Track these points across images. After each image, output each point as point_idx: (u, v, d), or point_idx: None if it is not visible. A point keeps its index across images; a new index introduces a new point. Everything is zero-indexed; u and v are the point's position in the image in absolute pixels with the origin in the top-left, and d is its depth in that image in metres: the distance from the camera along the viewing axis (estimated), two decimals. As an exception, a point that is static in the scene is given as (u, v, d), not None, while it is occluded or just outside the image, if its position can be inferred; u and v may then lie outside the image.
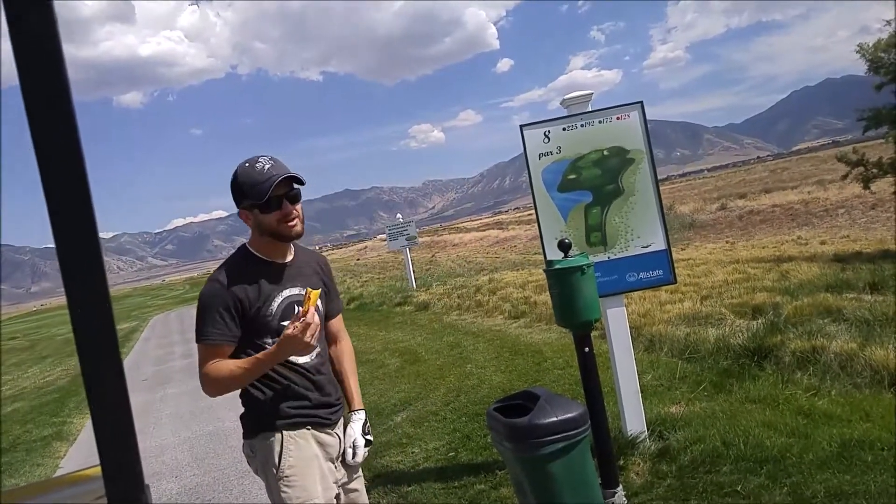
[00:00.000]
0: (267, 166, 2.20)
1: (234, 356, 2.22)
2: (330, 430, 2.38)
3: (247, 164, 2.22)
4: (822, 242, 16.43)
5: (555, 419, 2.60)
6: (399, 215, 19.04)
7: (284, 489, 2.21)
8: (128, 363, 14.75)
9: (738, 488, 3.30)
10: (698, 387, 5.00)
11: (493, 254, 34.76)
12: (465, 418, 5.46)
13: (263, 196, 2.17)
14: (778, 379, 4.80)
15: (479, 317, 10.97)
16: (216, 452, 6.09)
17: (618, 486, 3.24)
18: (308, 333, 2.06)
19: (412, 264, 18.40)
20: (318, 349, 2.36)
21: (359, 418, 2.48)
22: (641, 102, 4.13)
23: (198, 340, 2.20)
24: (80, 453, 7.15)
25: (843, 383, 4.48)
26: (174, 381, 10.83)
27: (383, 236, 20.77)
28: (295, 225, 2.26)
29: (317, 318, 2.13)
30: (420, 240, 19.27)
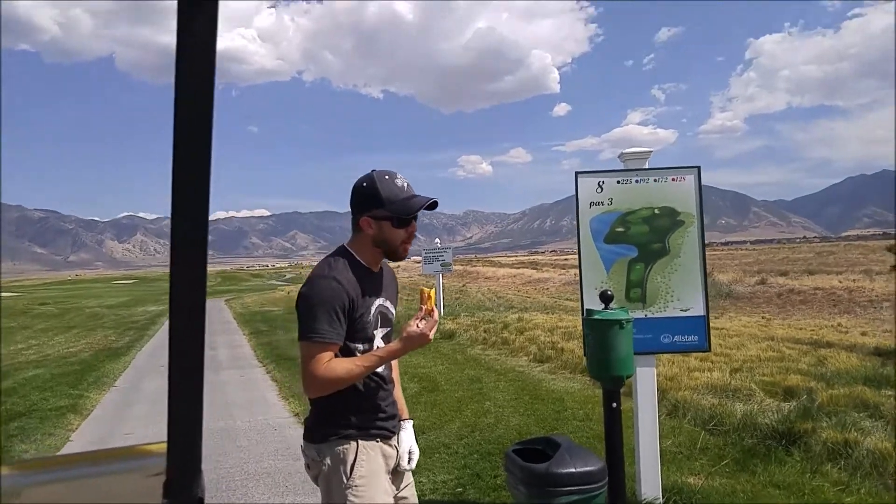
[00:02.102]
0: (405, 184, 2.26)
1: None
2: (392, 443, 2.41)
3: (386, 177, 2.24)
4: (864, 333, 15.97)
5: (573, 470, 2.55)
6: (437, 240, 19.08)
7: (352, 498, 2.20)
8: (149, 347, 14.95)
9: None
10: (720, 461, 4.86)
11: (525, 293, 34.61)
12: (476, 455, 5.39)
13: (410, 212, 2.22)
14: (806, 467, 4.64)
15: (504, 354, 10.87)
16: (224, 451, 6.08)
17: (626, 550, 3.16)
18: (433, 331, 2.17)
19: (443, 291, 18.38)
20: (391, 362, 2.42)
21: (410, 426, 2.52)
22: (699, 168, 4.11)
23: (307, 338, 2.14)
24: (92, 429, 7.22)
25: (874, 482, 4.31)
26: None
27: (418, 258, 20.84)
28: (409, 247, 2.32)
29: (436, 316, 2.21)
30: (454, 267, 19.28)
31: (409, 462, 2.44)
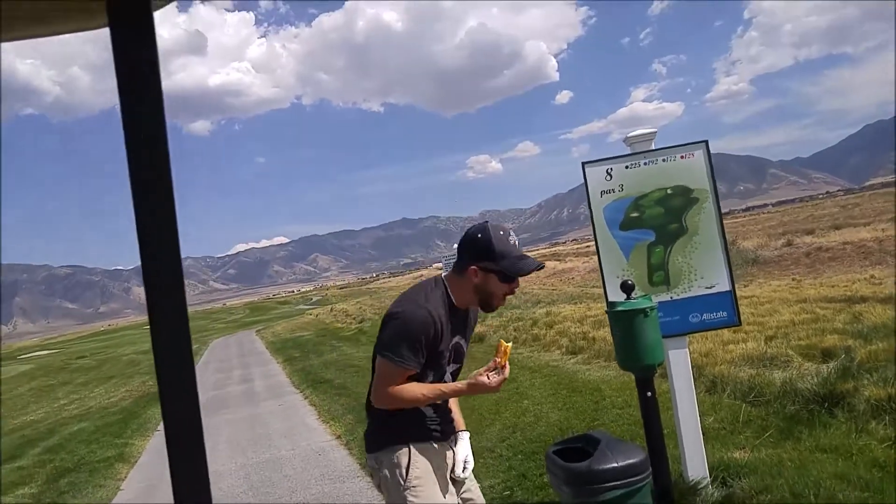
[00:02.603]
0: (517, 242, 2.36)
1: None
2: (447, 445, 2.52)
3: (501, 232, 2.33)
4: (898, 282, 15.69)
5: (615, 465, 2.56)
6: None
7: (411, 498, 2.32)
8: (189, 386, 15.11)
9: (808, 544, 3.16)
10: (764, 432, 4.82)
11: (550, 285, 34.45)
12: (520, 456, 5.39)
13: (521, 273, 2.33)
14: (851, 428, 4.57)
15: (536, 351, 10.86)
16: (272, 481, 6.14)
17: (680, 535, 3.14)
18: (500, 385, 2.28)
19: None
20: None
21: (467, 437, 2.62)
22: (706, 142, 4.08)
23: (391, 358, 2.28)
24: (141, 475, 7.34)
25: (922, 435, 4.25)
26: (231, 407, 11.03)
27: (439, 265, 20.87)
28: (504, 303, 2.43)
29: (507, 372, 2.30)
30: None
31: (463, 471, 2.53)
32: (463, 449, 2.56)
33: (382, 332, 2.36)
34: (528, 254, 2.42)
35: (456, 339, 2.45)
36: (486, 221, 2.42)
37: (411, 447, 2.38)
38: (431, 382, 2.41)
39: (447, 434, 2.53)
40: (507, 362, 2.30)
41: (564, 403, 6.93)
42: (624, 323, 2.99)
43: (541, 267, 2.39)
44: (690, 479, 3.93)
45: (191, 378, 0.62)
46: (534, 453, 5.36)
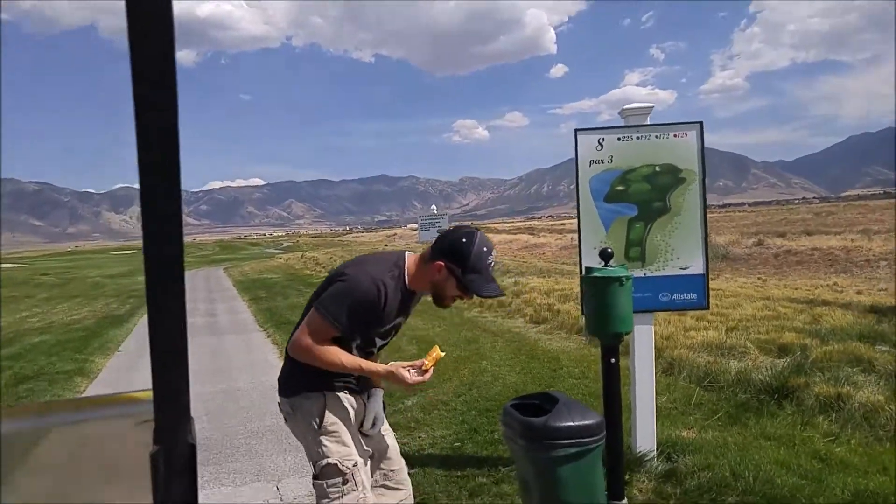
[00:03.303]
0: (493, 264, 2.39)
1: None
2: (359, 397, 2.54)
3: (484, 249, 2.35)
4: (859, 292, 16.05)
5: (571, 424, 2.61)
6: (434, 207, 19.06)
7: (326, 444, 2.35)
8: (151, 313, 15.05)
9: (743, 521, 3.28)
10: (713, 415, 4.96)
11: (521, 258, 34.67)
12: (474, 412, 5.48)
13: (479, 294, 2.35)
14: (797, 420, 4.73)
15: (501, 317, 10.96)
16: (227, 411, 6.18)
17: (623, 498, 3.24)
18: (415, 385, 2.34)
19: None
20: None
21: (380, 394, 2.65)
22: (701, 123, 4.09)
23: (325, 316, 2.29)
24: (100, 391, 7.32)
25: (865, 434, 4.40)
26: (195, 337, 11.00)
27: (414, 225, 20.87)
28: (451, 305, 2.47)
29: (429, 376, 2.36)
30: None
31: (371, 426, 2.56)
32: (374, 405, 2.59)
33: (328, 288, 2.37)
34: (494, 278, 2.44)
35: (398, 319, 2.48)
36: (477, 229, 2.43)
37: (326, 395, 2.41)
38: (357, 347, 2.44)
39: (361, 389, 2.55)
40: (433, 368, 2.36)
41: (522, 368, 7.04)
42: (599, 289, 3.03)
43: (500, 295, 2.43)
44: (639, 451, 4.04)
45: (180, 302, 0.62)
46: (487, 410, 5.46)
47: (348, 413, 2.46)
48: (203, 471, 4.58)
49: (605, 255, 3.07)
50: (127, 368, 8.52)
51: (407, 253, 2.51)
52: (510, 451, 3.19)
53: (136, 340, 10.92)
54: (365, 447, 2.52)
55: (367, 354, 2.50)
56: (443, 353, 2.43)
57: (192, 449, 0.64)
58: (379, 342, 2.51)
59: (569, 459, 2.60)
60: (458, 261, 2.32)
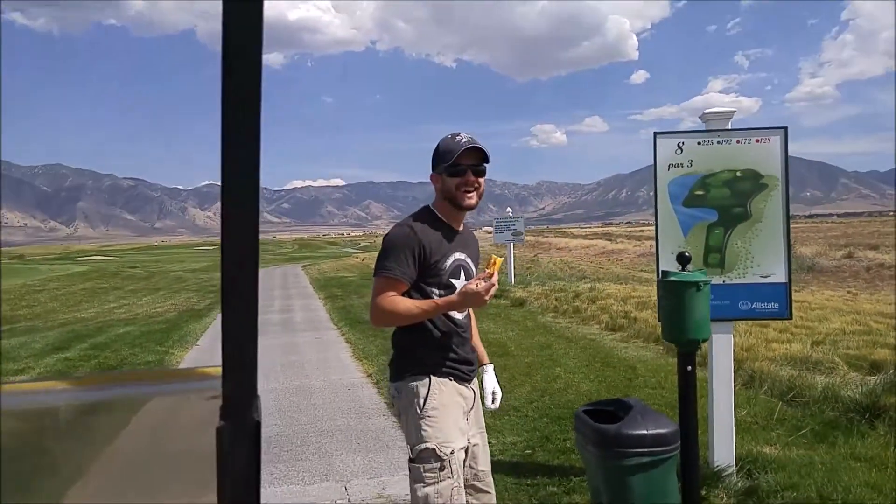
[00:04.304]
0: (465, 139, 2.45)
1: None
2: (468, 385, 2.56)
3: (449, 136, 2.49)
4: (959, 308, 15.08)
5: (644, 432, 2.54)
6: (509, 209, 19.01)
7: (426, 428, 2.35)
8: (230, 310, 15.60)
9: (829, 544, 3.11)
10: (797, 432, 4.73)
11: (598, 264, 34.16)
12: (546, 419, 5.41)
13: (451, 159, 2.40)
14: (891, 441, 4.46)
15: (575, 323, 10.80)
16: (299, 408, 6.30)
17: (698, 514, 3.13)
18: (489, 293, 2.30)
19: (514, 261, 18.38)
20: (468, 310, 2.60)
21: (491, 369, 2.73)
22: (786, 128, 3.94)
23: (378, 273, 2.40)
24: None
25: (964, 458, 4.11)
26: (269, 334, 11.30)
27: (489, 228, 20.88)
28: (471, 196, 2.47)
29: (496, 281, 2.34)
30: (525, 238, 19.18)
31: (493, 402, 2.63)
32: (490, 380, 2.66)
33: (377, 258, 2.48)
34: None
35: (456, 255, 2.51)
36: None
37: (431, 378, 2.42)
38: (438, 297, 2.46)
39: (469, 377, 2.56)
40: (497, 272, 2.34)
41: (597, 376, 6.91)
42: (675, 294, 2.94)
43: (472, 144, 2.41)
44: (716, 465, 3.89)
45: (253, 283, 0.63)
46: (559, 418, 5.37)
47: (454, 400, 2.45)
48: (273, 469, 4.68)
49: (683, 260, 2.98)
50: (203, 362, 8.85)
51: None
52: (581, 457, 3.13)
53: (213, 335, 11.33)
54: (469, 440, 2.51)
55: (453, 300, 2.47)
56: (501, 258, 2.43)
57: (257, 426, 0.64)
58: (454, 282, 2.50)
59: (641, 469, 2.53)
60: (436, 160, 2.48)
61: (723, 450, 3.93)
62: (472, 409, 2.56)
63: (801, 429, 4.78)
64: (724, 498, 3.68)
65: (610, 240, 54.52)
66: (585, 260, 37.02)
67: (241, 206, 0.61)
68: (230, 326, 0.63)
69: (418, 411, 2.37)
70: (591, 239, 57.16)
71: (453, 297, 2.38)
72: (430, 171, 2.54)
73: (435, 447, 2.32)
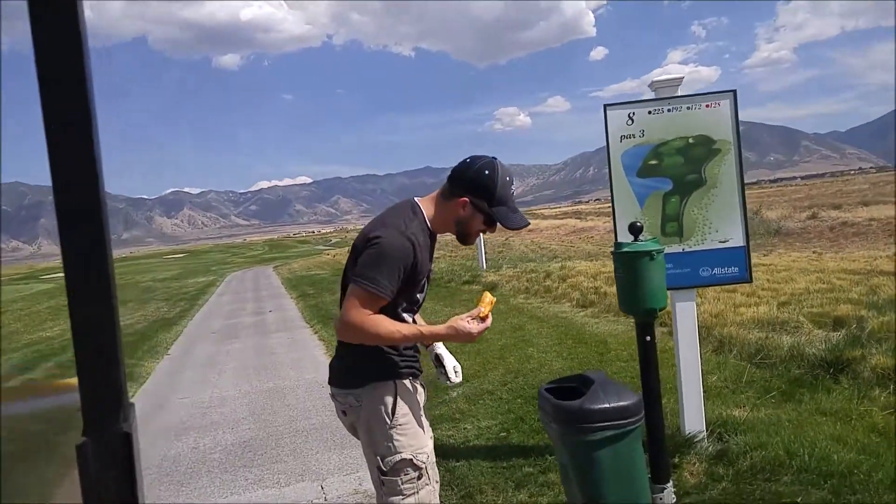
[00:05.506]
0: (514, 191, 2.33)
1: None
2: (421, 380, 2.45)
3: (507, 178, 2.27)
4: (921, 261, 15.44)
5: (607, 406, 2.53)
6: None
7: (398, 438, 2.22)
8: (200, 315, 15.37)
9: (798, 500, 3.15)
10: (766, 393, 4.79)
11: (569, 243, 34.37)
12: (520, 400, 5.42)
13: (509, 227, 2.26)
14: (854, 394, 4.53)
15: (547, 302, 10.85)
16: (273, 409, 6.24)
17: (668, 482, 3.14)
18: (480, 334, 2.20)
19: (485, 245, 18.38)
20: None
21: (442, 345, 2.58)
22: (734, 91, 3.94)
23: (366, 286, 2.12)
24: (148, 394, 7.49)
25: (925, 404, 4.20)
26: (242, 336, 11.19)
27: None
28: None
29: (489, 323, 2.24)
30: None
31: (456, 374, 2.51)
32: (446, 355, 2.54)
33: (358, 257, 2.21)
34: (521, 210, 2.34)
35: (429, 267, 2.37)
36: (495, 159, 2.27)
37: (396, 383, 2.27)
38: (403, 310, 2.30)
39: (421, 370, 2.43)
40: (490, 314, 2.23)
41: (569, 353, 6.94)
42: (629, 264, 2.93)
43: (526, 225, 2.32)
44: (687, 432, 3.92)
45: (106, 283, 0.57)
46: (533, 398, 5.36)
47: (416, 400, 2.34)
48: (247, 474, 4.62)
49: (635, 230, 2.97)
50: (174, 371, 8.72)
51: (415, 198, 2.38)
52: (548, 435, 3.12)
53: (185, 342, 11.16)
54: (430, 434, 2.42)
55: (412, 313, 2.39)
56: (495, 298, 2.31)
57: (128, 438, 0.58)
58: (420, 297, 2.38)
59: (606, 442, 2.52)
60: (483, 195, 2.23)
61: (693, 416, 3.95)
62: (425, 403, 2.46)
63: (769, 390, 4.84)
64: (697, 463, 3.71)
65: (580, 218, 54.80)
66: (556, 240, 37.16)
67: (80, 205, 0.56)
68: (82, 327, 0.57)
69: (388, 420, 2.22)
70: (562, 218, 57.41)
71: (441, 328, 2.23)
72: (462, 194, 2.25)
73: (411, 456, 2.22)
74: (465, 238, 2.36)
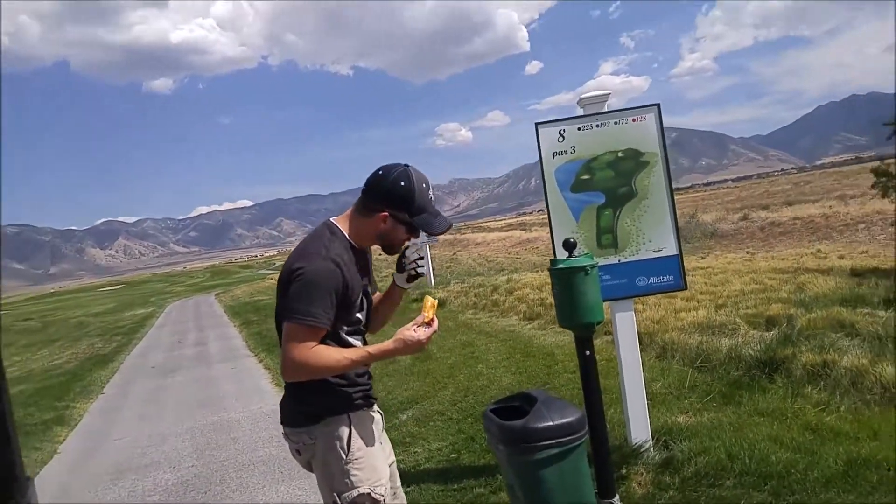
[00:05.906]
0: (433, 197, 2.25)
1: None
2: (376, 408, 2.39)
3: (423, 185, 2.20)
4: (841, 257, 16.20)
5: (551, 423, 2.53)
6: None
7: (355, 472, 2.15)
8: (139, 350, 14.88)
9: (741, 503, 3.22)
10: (707, 396, 4.90)
11: (515, 254, 34.72)
12: (470, 419, 5.40)
13: (433, 232, 2.22)
14: (788, 392, 4.68)
15: (495, 316, 10.90)
16: (217, 444, 6.07)
17: (614, 496, 3.16)
18: (429, 339, 2.13)
19: (433, 262, 18.38)
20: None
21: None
22: (658, 105, 4.05)
23: (300, 320, 2.03)
24: (80, 438, 7.18)
25: (853, 399, 4.35)
26: (183, 369, 10.87)
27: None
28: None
29: (436, 326, 2.16)
30: (442, 237, 19.25)
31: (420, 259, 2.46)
32: (411, 254, 2.45)
33: (286, 292, 2.11)
34: (442, 213, 2.29)
35: (363, 282, 2.27)
36: (408, 166, 2.21)
37: (350, 416, 2.21)
38: (346, 334, 2.22)
39: (374, 395, 2.37)
40: (435, 317, 2.17)
41: (518, 367, 6.97)
42: (565, 281, 2.96)
43: (450, 226, 2.27)
44: (634, 442, 3.97)
45: None
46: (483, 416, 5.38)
47: (372, 431, 2.28)
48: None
49: (569, 246, 3.00)
50: (110, 410, 8.38)
51: (331, 218, 2.30)
52: (495, 456, 3.12)
53: (121, 379, 10.77)
54: (388, 458, 2.38)
55: (360, 335, 2.31)
56: (436, 300, 2.27)
57: None
58: (360, 317, 2.28)
59: (551, 461, 2.52)
60: (402, 206, 2.17)
61: (639, 425, 4.00)
62: (382, 427, 2.41)
63: (710, 393, 4.96)
64: (644, 473, 3.74)
65: (525, 229, 55.47)
66: (503, 252, 37.53)
67: None
68: None
69: (343, 456, 2.16)
70: (507, 231, 58.03)
71: (389, 344, 2.12)
72: (380, 208, 2.18)
73: (369, 491, 2.16)
74: (391, 249, 2.31)
